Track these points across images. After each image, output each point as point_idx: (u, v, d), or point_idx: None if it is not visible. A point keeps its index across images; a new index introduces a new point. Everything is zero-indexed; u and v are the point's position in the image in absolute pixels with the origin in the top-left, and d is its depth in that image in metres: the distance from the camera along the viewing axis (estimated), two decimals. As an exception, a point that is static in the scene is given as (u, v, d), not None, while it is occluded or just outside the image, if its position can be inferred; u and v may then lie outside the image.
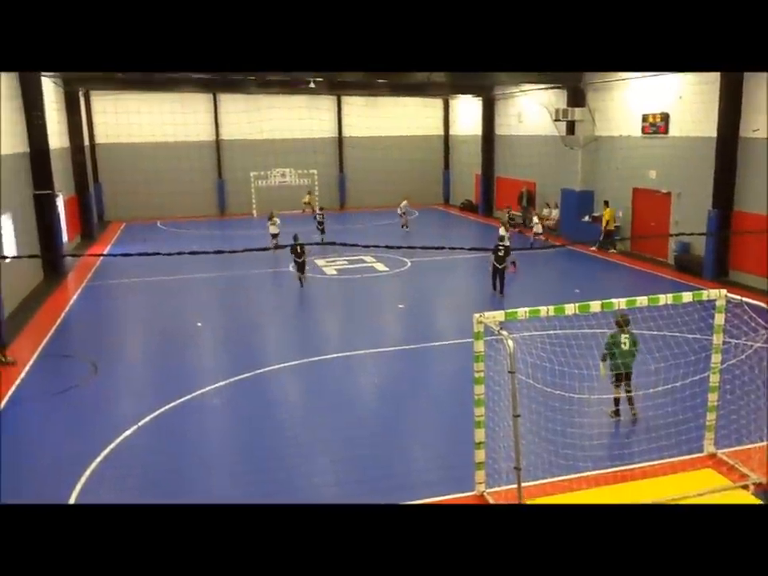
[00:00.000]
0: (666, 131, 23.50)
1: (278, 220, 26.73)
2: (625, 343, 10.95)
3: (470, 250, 11.76)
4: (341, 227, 32.90)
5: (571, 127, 28.25)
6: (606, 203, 25.88)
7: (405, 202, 31.94)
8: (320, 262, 24.68)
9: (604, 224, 25.73)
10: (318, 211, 30.12)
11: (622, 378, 10.99)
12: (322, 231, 28.36)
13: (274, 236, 26.27)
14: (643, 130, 24.57)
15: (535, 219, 27.70)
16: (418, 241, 25.32)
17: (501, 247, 19.89)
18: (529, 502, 8.28)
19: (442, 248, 9.93)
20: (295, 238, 22.06)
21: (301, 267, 20.97)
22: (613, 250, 25.53)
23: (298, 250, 20.90)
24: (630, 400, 11.23)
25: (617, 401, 11.21)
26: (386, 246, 10.03)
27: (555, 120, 28.48)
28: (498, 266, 19.64)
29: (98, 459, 10.27)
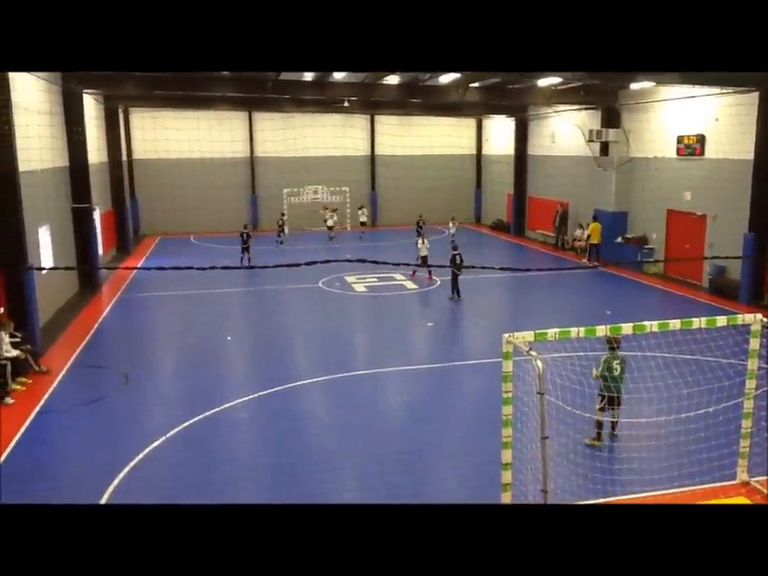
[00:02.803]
0: (701, 153, 23.24)
1: (335, 215, 34.77)
2: (616, 369, 10.67)
3: (500, 269, 11.75)
4: (371, 244, 33.09)
5: (605, 148, 28.08)
6: (595, 218, 27.81)
7: (328, 211, 35.31)
8: (350, 279, 24.78)
9: (587, 238, 27.94)
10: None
11: (614, 402, 10.75)
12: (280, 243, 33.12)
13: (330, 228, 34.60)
14: (678, 152, 24.34)
15: (451, 224, 32.59)
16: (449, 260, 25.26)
17: (457, 256, 21.17)
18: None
19: (473, 267, 9.94)
20: (245, 226, 28.53)
21: (245, 250, 26.92)
22: (595, 263, 26.81)
23: (244, 237, 27.17)
24: (613, 425, 11.09)
25: (600, 425, 10.95)
26: (412, 264, 10.03)
27: (589, 141, 28.33)
28: (458, 273, 20.99)
29: (126, 470, 10.37)
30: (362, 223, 37.03)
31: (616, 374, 10.63)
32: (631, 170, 27.15)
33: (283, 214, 34.90)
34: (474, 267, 17.96)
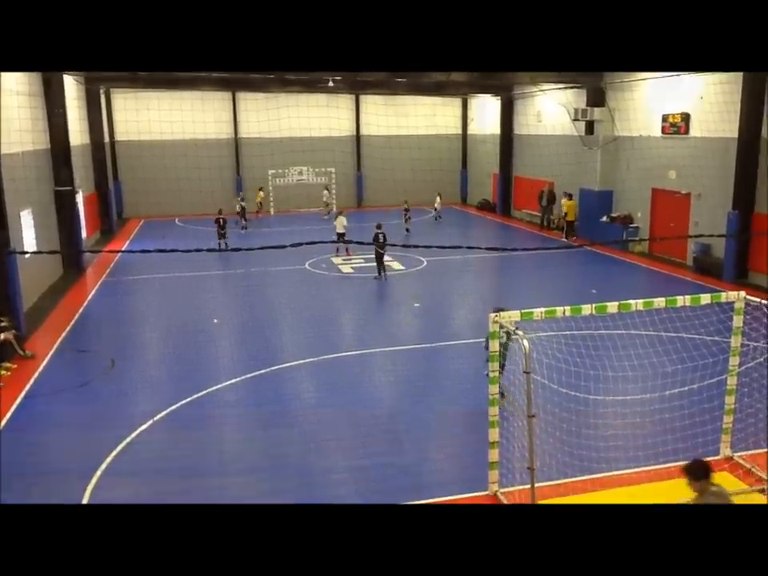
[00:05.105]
0: (686, 131, 23.30)
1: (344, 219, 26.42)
2: (503, 336, 10.85)
3: (487, 249, 11.78)
4: (357, 225, 33.01)
5: (590, 127, 28.07)
6: (569, 196, 28.71)
7: (261, 193, 36.26)
8: (336, 260, 24.74)
9: (563, 215, 28.91)
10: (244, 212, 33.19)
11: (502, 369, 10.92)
12: (244, 228, 32.29)
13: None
14: (663, 130, 24.38)
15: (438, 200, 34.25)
16: (436, 240, 25.27)
17: (380, 235, 21.50)
18: (541, 502, 8.25)
19: (459, 247, 9.95)
20: (220, 211, 27.82)
21: (222, 236, 27.08)
22: (573, 238, 28.15)
23: (221, 223, 27.15)
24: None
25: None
26: (402, 245, 10.05)
27: (574, 120, 28.32)
28: (381, 251, 21.36)
29: (114, 454, 10.36)
30: (326, 204, 36.71)
31: (503, 341, 10.74)
32: (616, 149, 27.18)
33: (242, 199, 34.12)
34: (395, 245, 17.95)
